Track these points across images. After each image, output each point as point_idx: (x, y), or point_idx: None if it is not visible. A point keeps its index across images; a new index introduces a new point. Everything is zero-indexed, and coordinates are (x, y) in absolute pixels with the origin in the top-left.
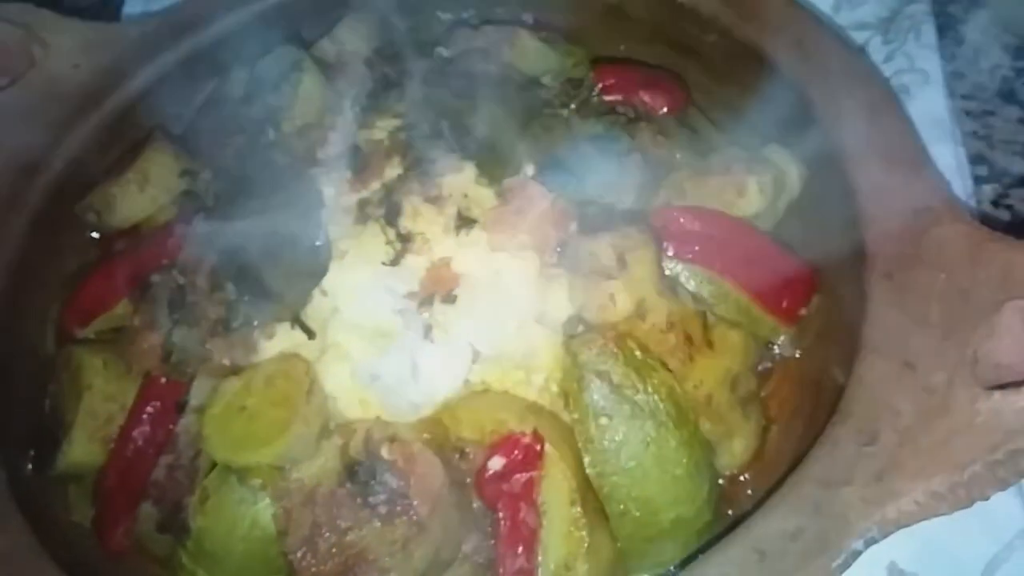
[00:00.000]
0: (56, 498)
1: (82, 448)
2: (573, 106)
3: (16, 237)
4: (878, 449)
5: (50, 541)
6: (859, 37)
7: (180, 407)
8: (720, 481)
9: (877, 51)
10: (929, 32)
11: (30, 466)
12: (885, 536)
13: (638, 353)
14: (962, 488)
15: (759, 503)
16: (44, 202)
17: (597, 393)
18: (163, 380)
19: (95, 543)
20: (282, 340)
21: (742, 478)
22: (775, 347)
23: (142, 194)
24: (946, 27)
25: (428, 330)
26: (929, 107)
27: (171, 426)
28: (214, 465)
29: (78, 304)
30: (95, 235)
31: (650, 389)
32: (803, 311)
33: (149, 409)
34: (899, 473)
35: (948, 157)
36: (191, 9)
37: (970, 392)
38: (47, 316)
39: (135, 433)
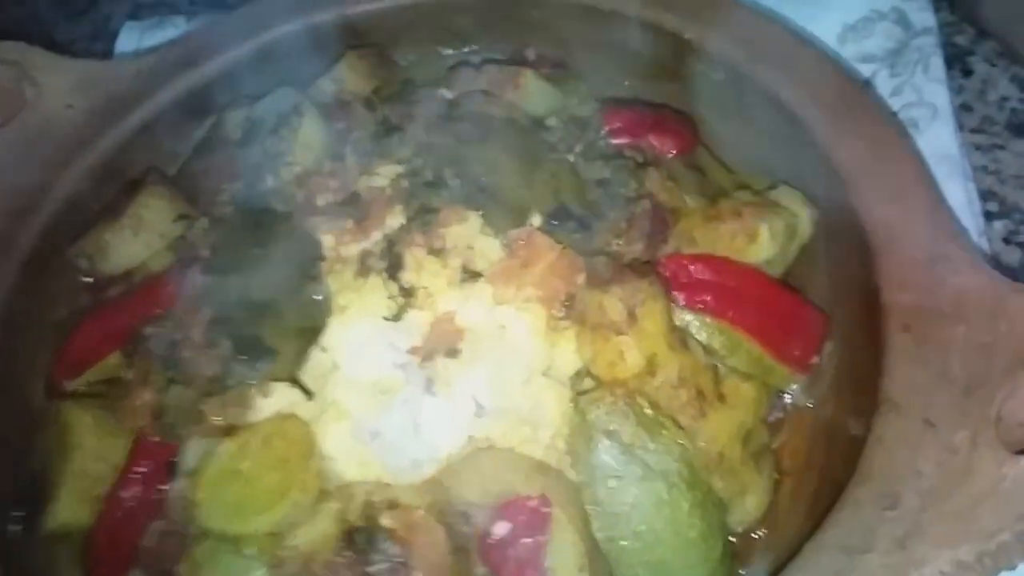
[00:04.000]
0: (44, 560)
1: (70, 509)
2: (579, 149)
3: (5, 282)
4: (900, 513)
5: None
6: (866, 70)
7: (171, 466)
8: (732, 539)
9: (884, 84)
10: (937, 65)
11: (17, 527)
12: None
13: (649, 411)
14: (989, 557)
15: (777, 569)
16: (35, 246)
17: (606, 454)
18: (155, 440)
19: None
20: (279, 398)
21: (755, 535)
22: (787, 396)
23: (136, 239)
24: (953, 59)
25: (430, 384)
26: (938, 142)
27: (163, 488)
28: (206, 532)
29: (68, 355)
30: (87, 279)
31: (662, 448)
32: (815, 359)
33: (140, 469)
34: (923, 540)
35: (959, 193)
36: (187, 46)
37: (995, 454)
38: (36, 365)
39: (125, 495)
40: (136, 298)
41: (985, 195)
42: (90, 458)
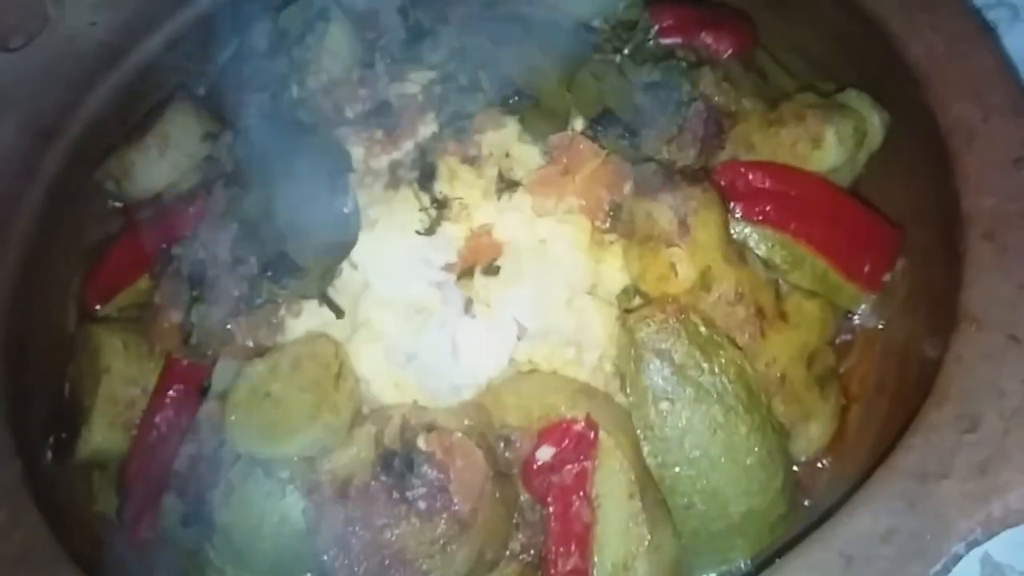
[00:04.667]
0: (80, 487)
1: (102, 435)
2: (627, 51)
3: (33, 206)
4: (981, 436)
5: (70, 536)
6: None
7: (203, 390)
8: (795, 468)
9: None
10: None
11: (50, 454)
12: (989, 538)
13: (703, 329)
14: None
15: (844, 498)
16: (62, 169)
17: (657, 375)
18: (184, 363)
19: (120, 535)
20: (309, 318)
21: (820, 464)
22: (855, 317)
23: (163, 159)
24: None
25: (468, 305)
26: (1019, 45)
27: (194, 412)
28: (239, 455)
29: (98, 280)
30: (117, 204)
31: (717, 369)
32: (887, 276)
33: (171, 393)
34: (1006, 464)
35: None
36: None
37: None
38: (68, 291)
39: (157, 419)
40: (164, 220)
41: None
42: (121, 382)
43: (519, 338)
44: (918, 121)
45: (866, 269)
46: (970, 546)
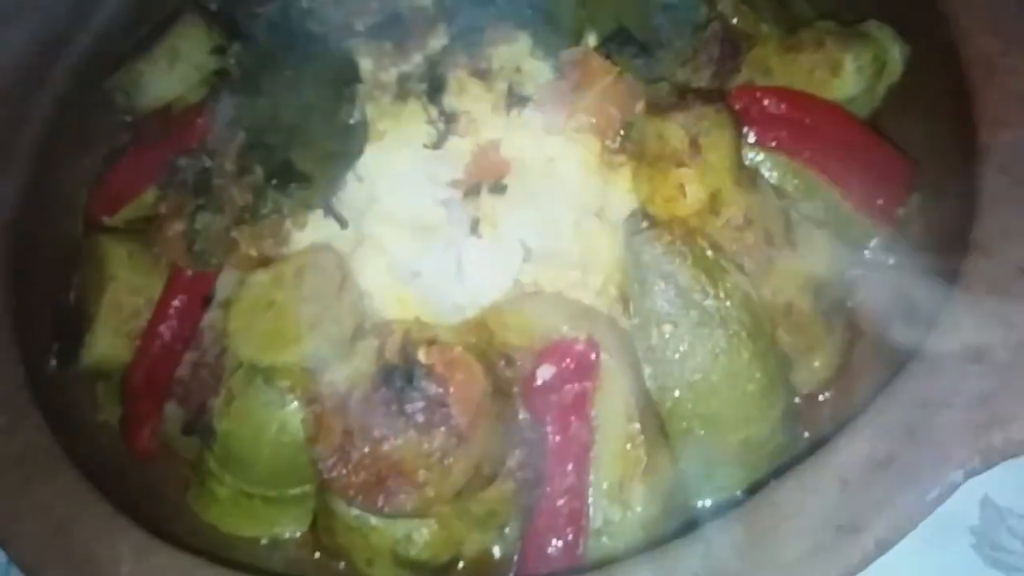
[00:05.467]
0: (83, 396)
1: (106, 343)
2: None
3: (41, 118)
4: (986, 367)
5: (73, 442)
6: None
7: (206, 301)
8: (797, 400)
9: None
10: None
11: (54, 361)
12: (988, 468)
13: (710, 252)
14: None
15: (843, 424)
16: (70, 80)
17: (661, 297)
18: (190, 273)
19: (123, 444)
20: (314, 230)
21: (821, 397)
22: (867, 252)
23: (172, 71)
24: None
25: (475, 224)
26: None
27: (197, 322)
28: (240, 364)
29: (105, 191)
30: (126, 118)
31: (722, 294)
32: (901, 211)
33: (176, 303)
34: (1009, 395)
35: None
36: None
37: None
38: (76, 202)
39: (161, 328)
40: (171, 132)
41: None
42: (125, 291)
43: (524, 259)
44: (938, 54)
45: (880, 202)
46: (968, 475)
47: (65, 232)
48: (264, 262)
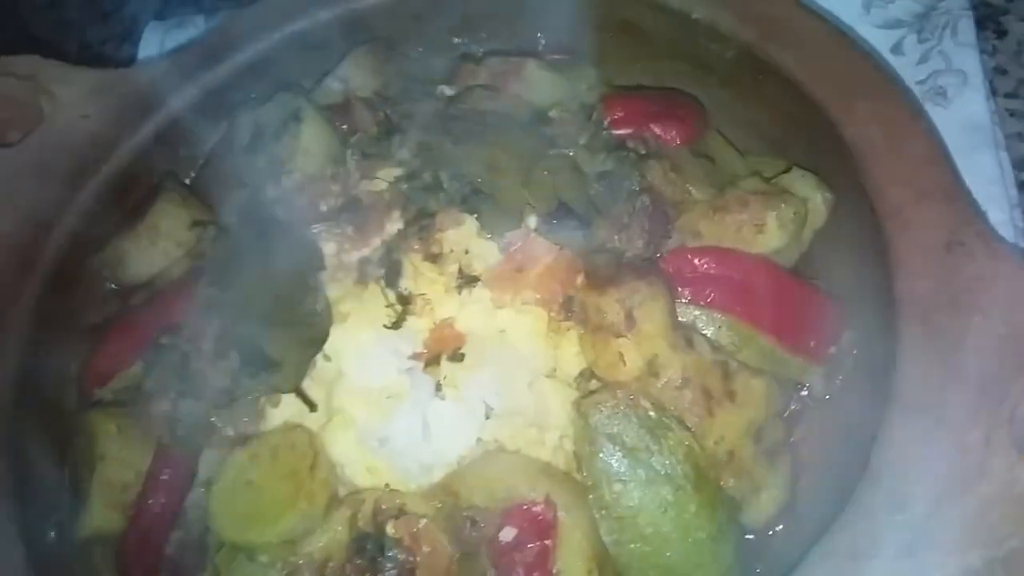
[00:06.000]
0: (80, 564)
1: (101, 516)
2: (582, 141)
3: (33, 296)
4: (908, 518)
5: None
6: (892, 36)
7: (193, 476)
8: (750, 536)
9: (912, 51)
10: (967, 28)
11: (53, 534)
12: None
13: (652, 413)
14: (1000, 564)
15: (786, 571)
16: (59, 258)
17: (610, 457)
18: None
19: None
20: (288, 407)
21: (771, 532)
22: (804, 389)
23: (154, 248)
24: (986, 19)
25: (439, 387)
26: (968, 111)
27: (185, 493)
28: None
29: (95, 366)
30: (112, 286)
31: (666, 451)
32: (832, 349)
33: (163, 476)
34: (931, 546)
35: (990, 164)
36: (203, 48)
37: (1007, 456)
38: (68, 374)
39: (151, 501)
40: (154, 307)
41: (1020, 164)
42: (116, 467)
43: (486, 418)
44: (859, 202)
45: (812, 344)
46: None
47: (58, 405)
48: (242, 439)
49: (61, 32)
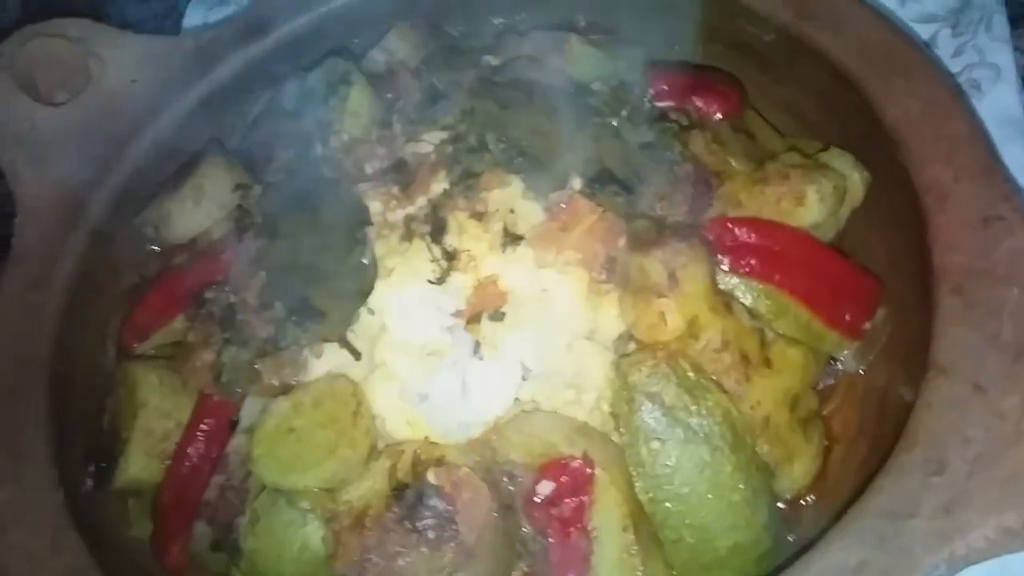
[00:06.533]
0: (116, 512)
1: (139, 465)
2: (624, 113)
3: (76, 252)
4: (946, 479)
5: (108, 559)
6: (926, 30)
7: (232, 424)
8: (781, 505)
9: (946, 45)
10: (1001, 23)
11: (90, 482)
12: (953, 573)
13: (691, 374)
14: None
15: (821, 532)
16: (104, 217)
17: (648, 416)
18: (216, 398)
19: (154, 559)
20: (330, 359)
21: (804, 502)
22: (838, 363)
23: (197, 209)
24: (1020, 16)
25: (477, 347)
26: (1001, 104)
27: (224, 444)
28: (264, 487)
29: (136, 320)
30: (155, 248)
31: (704, 411)
32: (867, 325)
33: (203, 427)
34: (968, 506)
35: (1022, 156)
36: (245, 20)
37: None
38: (108, 330)
39: (190, 450)
40: (198, 264)
41: None
42: (156, 416)
43: (523, 379)
44: (895, 180)
45: (847, 318)
46: None
47: (98, 358)
48: (285, 389)
49: (105, 7)
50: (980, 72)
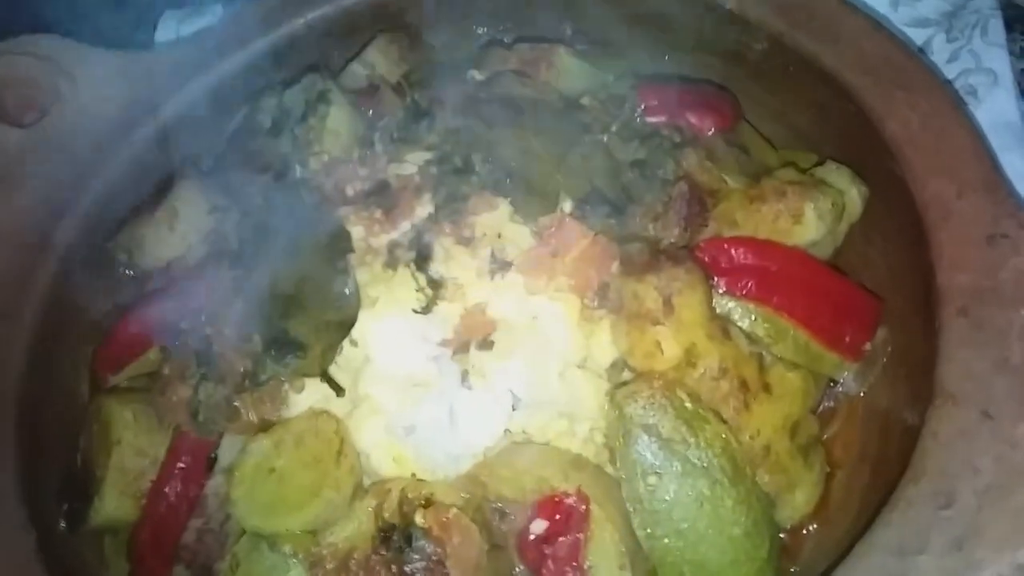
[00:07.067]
0: (91, 553)
1: (114, 504)
2: (614, 128)
3: (46, 279)
4: (956, 513)
5: None
6: (920, 35)
7: (210, 462)
8: (782, 535)
9: (940, 50)
10: (997, 27)
11: (63, 522)
12: None
13: (689, 404)
14: None
15: (827, 569)
16: (74, 242)
17: (645, 449)
18: (193, 436)
19: None
20: (313, 393)
21: (806, 530)
22: (838, 385)
23: (172, 233)
24: (1015, 20)
25: (465, 377)
26: (998, 110)
27: (203, 483)
28: (244, 530)
29: (109, 351)
30: (128, 272)
31: (703, 443)
32: (868, 345)
33: (180, 465)
34: (980, 541)
35: (1021, 163)
36: (221, 34)
37: None
38: (81, 360)
39: (167, 489)
40: (172, 293)
41: None
42: (131, 453)
43: (514, 408)
44: (896, 195)
45: (847, 339)
46: None
47: (71, 387)
48: (265, 426)
49: (76, 18)
50: (976, 78)
